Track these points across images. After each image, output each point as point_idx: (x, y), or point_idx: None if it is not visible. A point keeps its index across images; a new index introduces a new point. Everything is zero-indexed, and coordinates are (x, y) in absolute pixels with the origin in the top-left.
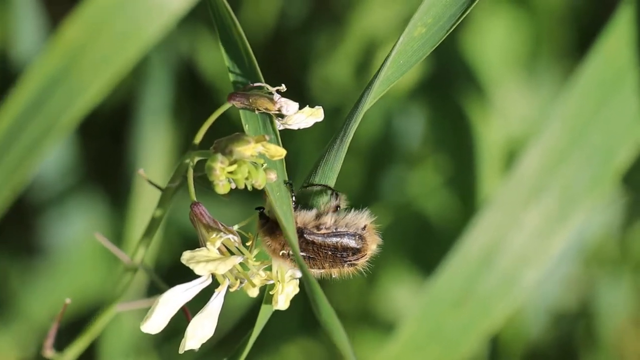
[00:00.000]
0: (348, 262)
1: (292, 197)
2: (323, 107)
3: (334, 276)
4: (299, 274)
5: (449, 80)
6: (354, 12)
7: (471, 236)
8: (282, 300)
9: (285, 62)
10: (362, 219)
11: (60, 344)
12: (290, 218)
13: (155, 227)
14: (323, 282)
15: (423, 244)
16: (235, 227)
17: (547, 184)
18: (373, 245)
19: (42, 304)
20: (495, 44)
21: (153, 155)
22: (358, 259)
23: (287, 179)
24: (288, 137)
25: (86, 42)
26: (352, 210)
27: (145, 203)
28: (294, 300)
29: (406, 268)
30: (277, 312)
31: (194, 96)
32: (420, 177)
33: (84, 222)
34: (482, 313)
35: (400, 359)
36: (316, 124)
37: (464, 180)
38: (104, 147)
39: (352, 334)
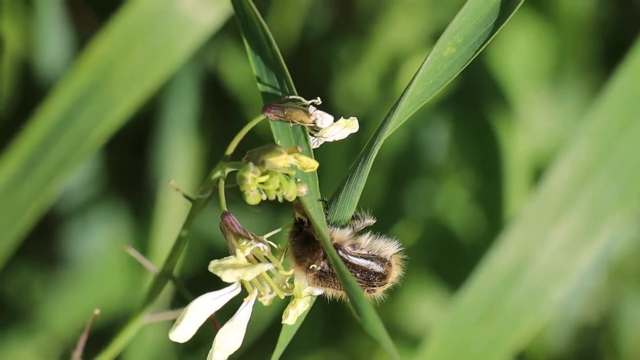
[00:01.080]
0: (371, 287)
1: (325, 213)
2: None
3: (346, 299)
4: (317, 292)
5: (474, 94)
6: (377, 23)
7: (498, 251)
8: (292, 315)
9: (309, 74)
10: (391, 246)
11: (83, 355)
12: (325, 231)
13: (186, 237)
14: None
15: (448, 259)
16: (265, 237)
17: (575, 199)
18: (396, 275)
19: (65, 315)
20: (520, 57)
21: (177, 167)
22: (381, 285)
23: (318, 191)
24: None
25: (116, 58)
26: (383, 236)
27: (170, 214)
28: (316, 314)
29: (430, 282)
30: (300, 324)
31: (218, 109)
32: (445, 192)
33: (107, 233)
34: (508, 329)
35: None
36: None
37: (489, 195)
38: (127, 159)
39: (374, 348)
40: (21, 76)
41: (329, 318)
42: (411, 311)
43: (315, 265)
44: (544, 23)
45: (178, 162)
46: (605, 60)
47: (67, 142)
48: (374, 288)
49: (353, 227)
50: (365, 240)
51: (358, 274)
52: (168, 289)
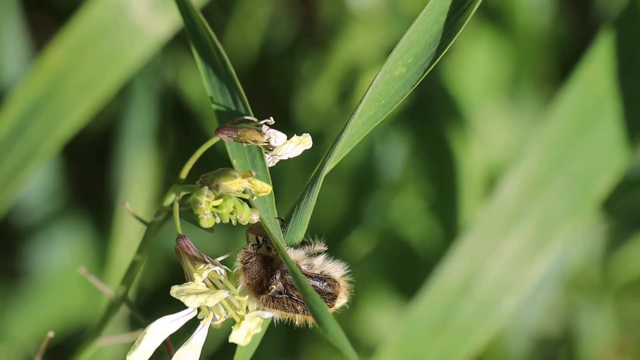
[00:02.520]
0: None
1: (282, 231)
2: (308, 132)
3: (295, 322)
4: (266, 315)
5: (431, 107)
6: (337, 39)
7: (450, 263)
8: (243, 335)
9: (270, 88)
10: (340, 269)
11: None
12: (284, 248)
13: (141, 260)
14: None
15: (405, 270)
16: (220, 259)
17: (526, 210)
18: (343, 298)
19: (25, 328)
20: (477, 71)
21: (136, 181)
22: (331, 305)
23: (275, 209)
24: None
25: (69, 67)
26: (332, 259)
27: (129, 228)
28: (278, 328)
29: (388, 294)
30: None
31: (179, 122)
32: (402, 204)
33: (68, 246)
34: (461, 340)
35: None
36: None
37: (445, 207)
38: (89, 171)
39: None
40: None
41: (289, 328)
42: (369, 322)
43: (273, 286)
44: (501, 37)
45: (137, 176)
46: (562, 74)
47: (21, 151)
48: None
49: (306, 249)
50: (318, 261)
51: None
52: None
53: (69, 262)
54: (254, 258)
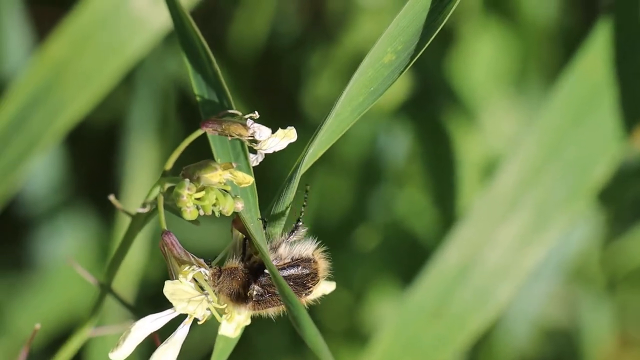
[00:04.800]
0: (308, 289)
1: (264, 232)
2: (315, 124)
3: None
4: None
5: (435, 99)
6: (346, 29)
7: (447, 250)
8: (232, 327)
9: (278, 79)
10: (309, 244)
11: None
12: (265, 250)
13: (125, 252)
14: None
15: (411, 263)
16: (217, 259)
17: (523, 198)
18: (324, 268)
19: (30, 319)
20: (482, 62)
21: (140, 172)
22: (315, 283)
23: (257, 208)
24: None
25: (70, 57)
26: (298, 240)
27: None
28: (284, 320)
29: (394, 286)
30: (267, 330)
31: (182, 113)
32: (407, 196)
33: (74, 237)
34: (457, 326)
35: None
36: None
37: (448, 199)
38: (95, 164)
39: (340, 352)
40: None
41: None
42: (375, 314)
43: (252, 292)
44: (507, 29)
45: (141, 168)
46: None
47: (22, 141)
48: (310, 289)
49: (270, 242)
50: (283, 250)
51: (291, 283)
52: (130, 297)
53: (74, 253)
54: (221, 276)
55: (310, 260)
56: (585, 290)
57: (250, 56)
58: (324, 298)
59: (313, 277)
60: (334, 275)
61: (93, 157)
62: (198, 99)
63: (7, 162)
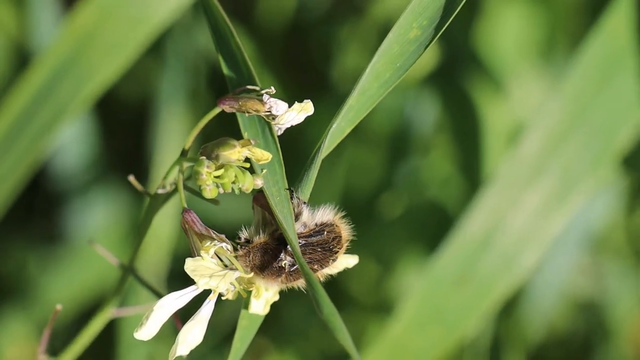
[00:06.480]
0: (335, 254)
1: (292, 204)
2: (344, 98)
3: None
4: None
5: (462, 69)
6: (374, 1)
7: (472, 217)
8: (261, 305)
9: (307, 53)
10: (329, 210)
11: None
12: (291, 223)
13: (145, 231)
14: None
15: (437, 231)
16: (244, 236)
17: (548, 164)
18: (347, 231)
19: (62, 293)
20: (510, 32)
21: (170, 146)
22: (340, 247)
23: (285, 180)
24: (298, 136)
25: (97, 27)
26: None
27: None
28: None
29: (421, 255)
30: (293, 307)
31: (213, 85)
32: (434, 166)
33: (106, 211)
34: (482, 292)
35: (402, 339)
36: None
37: (475, 167)
38: (127, 139)
39: (368, 323)
40: (16, 55)
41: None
42: (404, 285)
43: (285, 263)
44: (535, 0)
45: (172, 141)
46: None
47: (50, 109)
48: (337, 253)
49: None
50: (307, 218)
51: (319, 249)
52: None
53: (106, 227)
54: (251, 254)
55: (333, 224)
56: (612, 260)
57: (278, 30)
58: (352, 271)
59: (338, 240)
60: (362, 248)
61: (125, 132)
62: (225, 72)
63: (36, 129)
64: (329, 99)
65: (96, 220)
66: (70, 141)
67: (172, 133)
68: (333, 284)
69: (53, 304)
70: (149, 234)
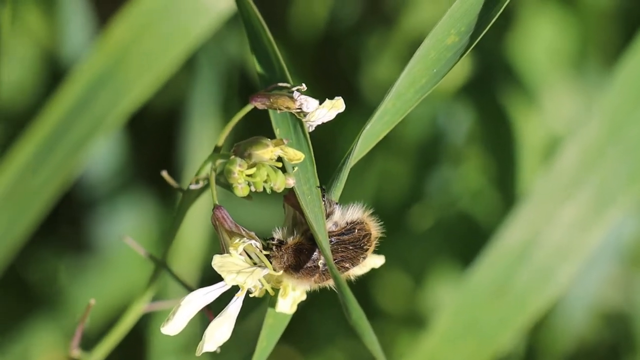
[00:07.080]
0: (365, 251)
1: (324, 202)
2: (373, 108)
3: (352, 279)
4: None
5: (495, 80)
6: (405, 13)
7: (508, 230)
8: (288, 304)
9: (337, 64)
10: (358, 209)
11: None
12: (322, 222)
13: (176, 229)
14: (366, 283)
15: (470, 244)
16: (277, 236)
17: (585, 179)
18: (376, 228)
19: (90, 300)
20: (542, 44)
21: (201, 154)
22: (370, 245)
23: (317, 178)
24: (329, 146)
25: (132, 42)
26: (345, 205)
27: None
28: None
29: (452, 268)
30: (322, 314)
31: (243, 95)
32: (466, 177)
33: (134, 220)
34: (518, 306)
35: (436, 353)
36: None
37: (508, 180)
38: (157, 147)
39: (398, 336)
40: (46, 65)
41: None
42: (434, 297)
43: (319, 263)
44: (566, 10)
45: (203, 150)
46: None
47: (85, 123)
48: (368, 250)
49: (325, 210)
50: (338, 216)
51: (351, 247)
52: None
53: (134, 235)
54: (285, 256)
55: (363, 222)
56: None
57: (309, 41)
58: (382, 282)
59: (368, 238)
60: (392, 258)
61: (155, 141)
62: (257, 69)
63: (71, 144)
64: (358, 110)
65: (124, 228)
66: (100, 149)
67: (203, 141)
68: (363, 295)
69: (82, 313)
70: (179, 245)
